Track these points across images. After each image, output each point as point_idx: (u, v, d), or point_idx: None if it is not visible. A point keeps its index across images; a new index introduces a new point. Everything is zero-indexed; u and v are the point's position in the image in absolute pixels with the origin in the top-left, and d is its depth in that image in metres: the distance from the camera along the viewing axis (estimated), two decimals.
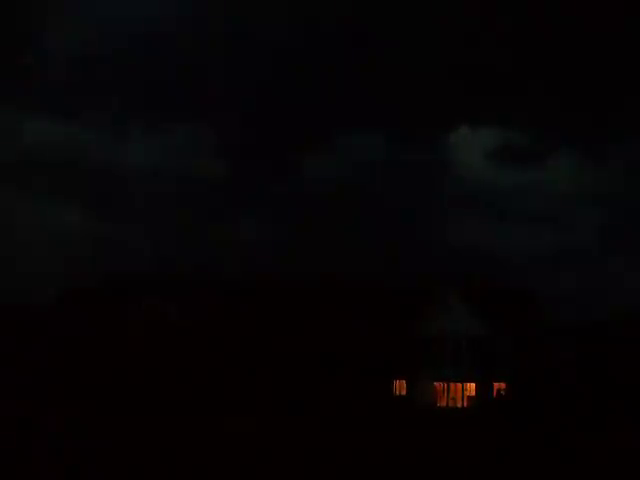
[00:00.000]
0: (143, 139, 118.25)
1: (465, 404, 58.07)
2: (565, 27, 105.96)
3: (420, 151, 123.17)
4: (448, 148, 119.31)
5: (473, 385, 58.33)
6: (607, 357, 60.47)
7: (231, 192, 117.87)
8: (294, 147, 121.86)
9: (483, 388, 57.75)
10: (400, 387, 60.50)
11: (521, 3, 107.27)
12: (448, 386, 58.62)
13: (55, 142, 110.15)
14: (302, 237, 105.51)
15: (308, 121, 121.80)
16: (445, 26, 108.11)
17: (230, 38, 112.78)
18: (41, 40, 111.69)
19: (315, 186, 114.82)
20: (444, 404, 58.54)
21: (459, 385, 58.48)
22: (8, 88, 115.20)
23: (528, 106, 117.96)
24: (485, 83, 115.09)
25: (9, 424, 41.96)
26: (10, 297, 68.74)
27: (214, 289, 67.74)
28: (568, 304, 76.40)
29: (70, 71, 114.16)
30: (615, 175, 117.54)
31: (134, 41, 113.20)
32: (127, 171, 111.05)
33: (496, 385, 57.96)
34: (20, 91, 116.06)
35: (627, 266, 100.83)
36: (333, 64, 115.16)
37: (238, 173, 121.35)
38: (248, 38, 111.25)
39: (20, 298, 69.34)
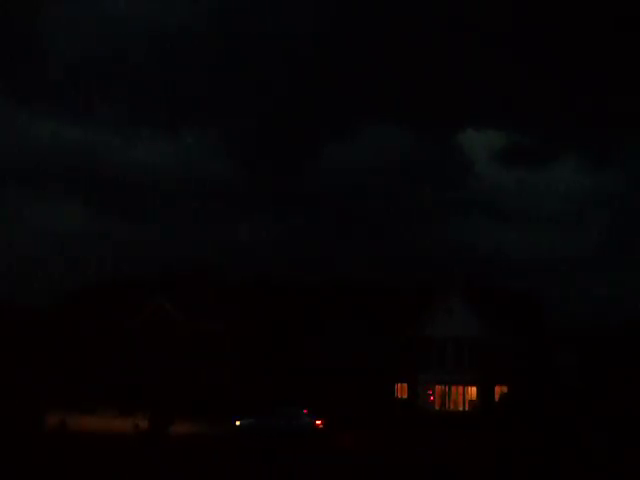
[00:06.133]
0: (149, 139, 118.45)
1: (467, 407, 58.09)
2: (572, 28, 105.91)
3: (424, 152, 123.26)
4: (453, 149, 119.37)
5: (474, 389, 58.32)
6: (609, 362, 60.43)
7: (237, 192, 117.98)
8: (297, 149, 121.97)
9: (485, 391, 57.76)
10: (402, 390, 60.49)
11: (528, 4, 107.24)
12: (449, 389, 58.61)
13: (59, 142, 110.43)
14: (303, 238, 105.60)
15: (307, 124, 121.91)
16: (452, 26, 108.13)
17: (241, 31, 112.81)
18: (49, 40, 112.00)
19: (314, 189, 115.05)
20: (445, 407, 58.53)
21: (460, 388, 58.48)
22: (15, 88, 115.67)
23: (534, 107, 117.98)
24: (492, 84, 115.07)
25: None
26: (12, 298, 68.87)
27: (220, 291, 67.74)
28: (571, 308, 76.36)
29: (78, 72, 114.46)
30: (622, 178, 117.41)
31: (142, 42, 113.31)
32: (132, 171, 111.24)
33: (498, 388, 57.96)
34: (27, 91, 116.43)
35: (632, 271, 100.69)
36: (341, 62, 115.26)
37: (246, 173, 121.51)
38: (260, 31, 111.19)
39: (23, 299, 69.52)
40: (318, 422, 43.11)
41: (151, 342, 62.00)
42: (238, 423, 43.84)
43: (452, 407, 58.34)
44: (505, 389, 57.71)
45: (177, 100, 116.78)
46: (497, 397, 57.94)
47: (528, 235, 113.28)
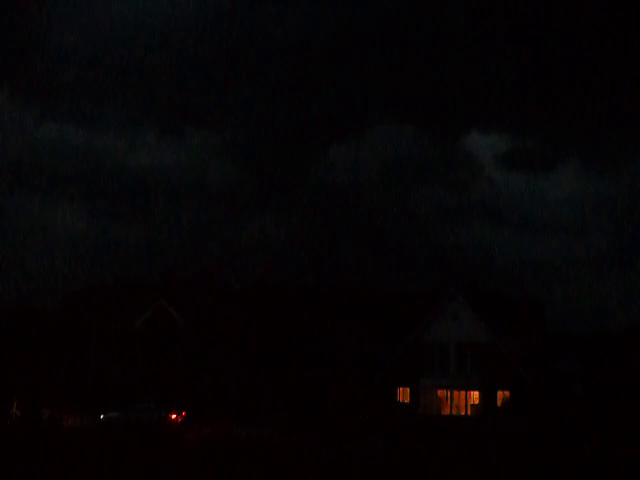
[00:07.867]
0: (153, 140, 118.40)
1: (469, 412, 57.89)
2: (575, 29, 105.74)
3: (428, 155, 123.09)
4: (457, 152, 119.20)
5: (477, 393, 58.12)
6: (612, 366, 60.30)
7: (240, 194, 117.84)
8: (298, 152, 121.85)
9: (487, 396, 57.55)
10: (404, 394, 60.28)
11: (534, 9, 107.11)
12: (452, 394, 58.40)
13: (62, 143, 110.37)
14: (305, 240, 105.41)
15: (310, 125, 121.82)
16: (457, 30, 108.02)
17: (246, 31, 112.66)
18: (52, 41, 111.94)
19: (317, 191, 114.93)
20: (447, 412, 58.32)
21: (463, 393, 58.27)
22: (19, 88, 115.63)
23: (540, 112, 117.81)
24: (497, 88, 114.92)
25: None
26: (14, 299, 68.87)
27: (223, 293, 67.63)
28: (574, 312, 76.21)
29: (82, 73, 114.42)
30: (624, 181, 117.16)
31: (145, 43, 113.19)
32: (134, 172, 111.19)
33: (500, 393, 57.80)
34: (31, 92, 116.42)
35: (635, 275, 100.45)
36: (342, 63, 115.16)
37: (250, 174, 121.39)
38: (265, 31, 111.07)
39: (23, 299, 69.50)
40: (173, 416, 46.29)
41: (152, 344, 61.89)
42: (102, 417, 46.25)
43: (454, 412, 58.11)
44: (507, 394, 57.55)
45: (181, 101, 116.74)
46: (499, 402, 57.78)
47: (531, 239, 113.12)
